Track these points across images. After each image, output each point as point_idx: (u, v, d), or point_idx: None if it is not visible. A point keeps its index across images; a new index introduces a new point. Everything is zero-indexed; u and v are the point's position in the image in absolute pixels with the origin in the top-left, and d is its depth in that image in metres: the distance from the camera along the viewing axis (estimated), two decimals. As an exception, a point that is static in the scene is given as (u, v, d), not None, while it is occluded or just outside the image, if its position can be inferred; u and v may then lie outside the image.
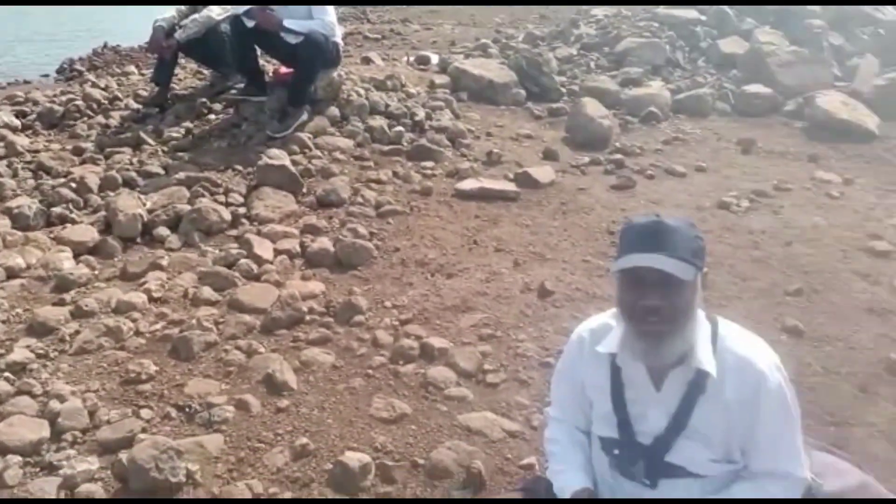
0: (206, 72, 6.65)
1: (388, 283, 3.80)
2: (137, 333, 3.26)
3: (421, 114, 5.78)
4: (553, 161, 5.43)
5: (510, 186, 4.86)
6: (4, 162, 4.88)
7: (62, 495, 2.40)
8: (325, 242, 4.06)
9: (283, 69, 5.95)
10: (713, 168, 5.49)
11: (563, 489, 1.97)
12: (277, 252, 4.00)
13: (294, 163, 4.83)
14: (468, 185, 4.83)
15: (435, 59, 7.80)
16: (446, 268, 3.91)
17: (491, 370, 3.08)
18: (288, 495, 2.43)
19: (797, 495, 1.87)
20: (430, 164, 5.20)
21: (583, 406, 2.05)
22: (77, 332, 3.23)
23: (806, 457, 1.90)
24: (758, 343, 1.87)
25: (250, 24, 5.14)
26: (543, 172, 5.06)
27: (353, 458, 2.51)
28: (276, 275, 3.78)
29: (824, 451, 2.21)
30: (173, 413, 2.79)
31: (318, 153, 5.12)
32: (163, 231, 4.10)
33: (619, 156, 5.53)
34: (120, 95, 6.13)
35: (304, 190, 4.68)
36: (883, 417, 2.78)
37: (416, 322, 3.44)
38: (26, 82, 8.61)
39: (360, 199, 4.60)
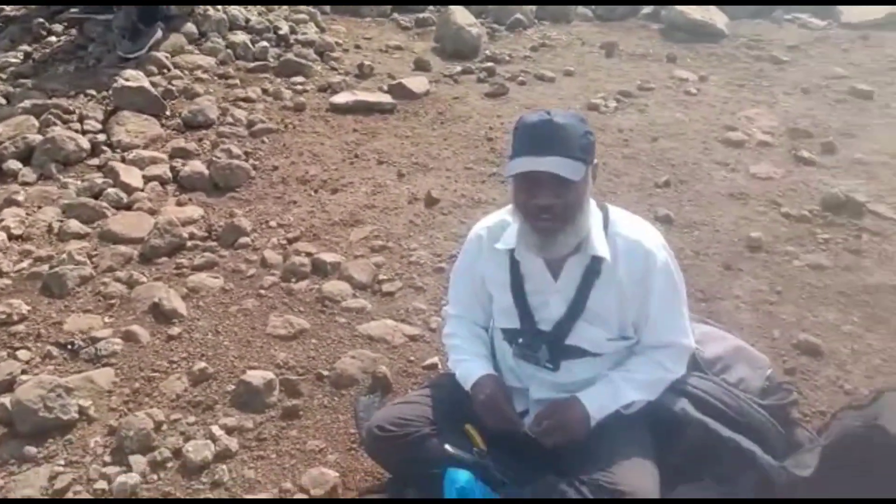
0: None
1: (270, 202, 3.68)
2: (1, 274, 3.02)
3: (284, 27, 5.51)
4: (425, 71, 5.36)
5: (386, 98, 4.77)
6: None
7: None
8: (197, 166, 3.86)
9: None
10: (580, 72, 5.62)
11: (466, 378, 2.04)
12: (147, 179, 3.77)
13: (153, 84, 4.50)
14: (343, 98, 4.70)
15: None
16: (329, 183, 3.84)
17: (386, 280, 3.10)
18: (191, 419, 2.38)
19: (684, 361, 2.03)
20: (300, 79, 5.01)
21: (482, 302, 2.11)
22: (-70, 279, 2.95)
23: (690, 327, 2.06)
24: (645, 226, 1.99)
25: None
26: (418, 83, 5.00)
27: (256, 376, 2.48)
28: (149, 202, 3.58)
29: (701, 323, 2.41)
30: (55, 352, 2.63)
31: (179, 73, 4.79)
32: (13, 164, 3.75)
33: (489, 64, 5.53)
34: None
35: (168, 112, 4.39)
36: (746, 290, 3.03)
37: (304, 239, 3.38)
38: None
39: (229, 119, 4.37)
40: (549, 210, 1.79)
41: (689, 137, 4.46)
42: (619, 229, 1.93)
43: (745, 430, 1.99)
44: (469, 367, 2.06)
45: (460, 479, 1.83)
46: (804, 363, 2.60)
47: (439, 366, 2.61)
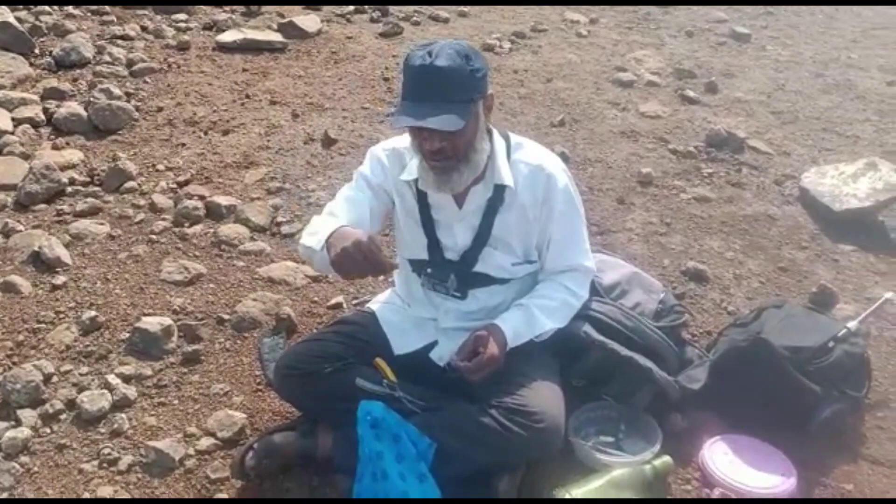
0: None
1: (156, 145, 3.50)
2: None
3: (163, -40, 5.18)
4: (316, 10, 5.19)
5: (276, 37, 4.59)
6: None
7: None
8: (74, 107, 3.61)
9: None
10: (474, 13, 5.58)
11: (319, 238, 1.77)
12: (17, 121, 3.50)
13: (18, 20, 4.14)
14: (230, 37, 4.48)
15: None
16: (220, 124, 3.68)
17: (285, 221, 3.02)
18: (84, 370, 2.26)
19: (587, 285, 2.10)
20: (182, 16, 4.74)
21: (373, 212, 1.96)
22: None
23: (590, 251, 2.12)
24: (546, 151, 2.02)
25: None
26: (309, 22, 4.83)
27: (152, 323, 2.38)
28: (21, 146, 3.33)
29: (598, 253, 2.49)
30: (-77, 306, 2.44)
31: (46, 8, 4.42)
32: None
33: (383, 4, 5.41)
34: None
35: (37, 51, 4.07)
36: (638, 223, 3.16)
37: (195, 182, 3.24)
38: None
39: (107, 58, 4.10)
40: (439, 153, 1.79)
41: (582, 78, 4.54)
42: (521, 155, 1.95)
43: (641, 349, 2.09)
44: (321, 229, 1.78)
45: (373, 410, 1.83)
46: (692, 288, 2.74)
47: (344, 305, 2.58)
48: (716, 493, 1.87)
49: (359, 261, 1.63)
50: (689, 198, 3.34)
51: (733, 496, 1.86)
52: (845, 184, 3.25)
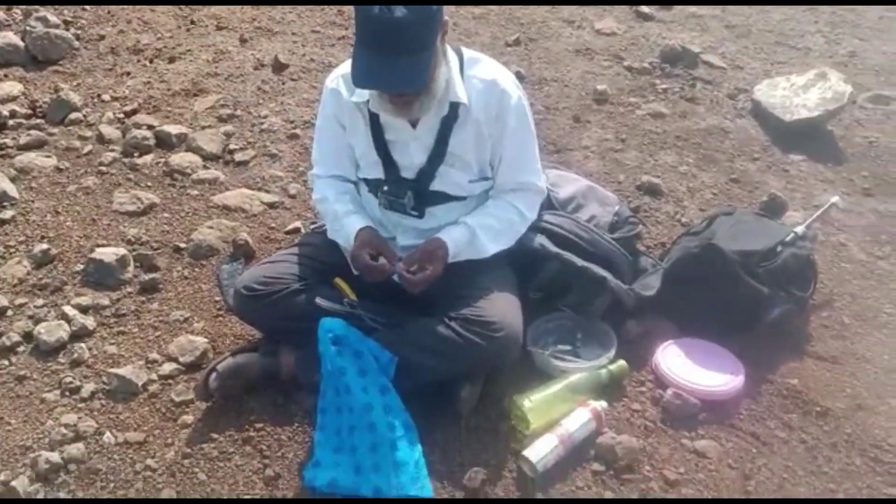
0: None
1: (100, 75, 3.38)
2: None
3: None
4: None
5: (219, -41, 4.40)
6: None
7: None
8: (10, 37, 3.45)
9: None
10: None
11: (349, 238, 1.99)
12: (-51, 54, 3.34)
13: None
14: (170, -40, 4.29)
15: None
16: (165, 52, 3.56)
17: (238, 149, 2.97)
18: (40, 303, 2.23)
19: (537, 206, 2.11)
20: (118, -61, 4.51)
21: (348, 153, 2.05)
22: None
23: (543, 173, 2.13)
24: (499, 67, 1.99)
25: None
26: (253, -57, 4.64)
27: (107, 253, 2.35)
28: (-45, 79, 3.19)
29: (554, 169, 2.51)
30: None
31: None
32: None
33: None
34: None
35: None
36: (593, 140, 3.16)
37: (143, 112, 3.15)
38: None
39: (41, -15, 3.90)
40: (400, 96, 1.77)
41: (536, -4, 4.46)
42: (474, 71, 1.93)
43: (597, 259, 2.13)
44: (348, 227, 1.99)
45: (335, 327, 1.85)
46: (647, 202, 2.78)
47: (302, 230, 2.57)
48: (669, 393, 1.95)
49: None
50: (644, 114, 3.35)
51: (685, 395, 1.93)
52: (796, 95, 3.28)
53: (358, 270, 1.96)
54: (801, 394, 2.01)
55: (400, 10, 1.63)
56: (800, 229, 2.27)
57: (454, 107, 1.90)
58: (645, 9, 4.29)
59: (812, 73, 3.38)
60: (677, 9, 4.38)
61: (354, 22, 1.72)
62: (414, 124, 1.93)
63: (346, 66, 2.00)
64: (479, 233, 1.98)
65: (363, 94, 1.90)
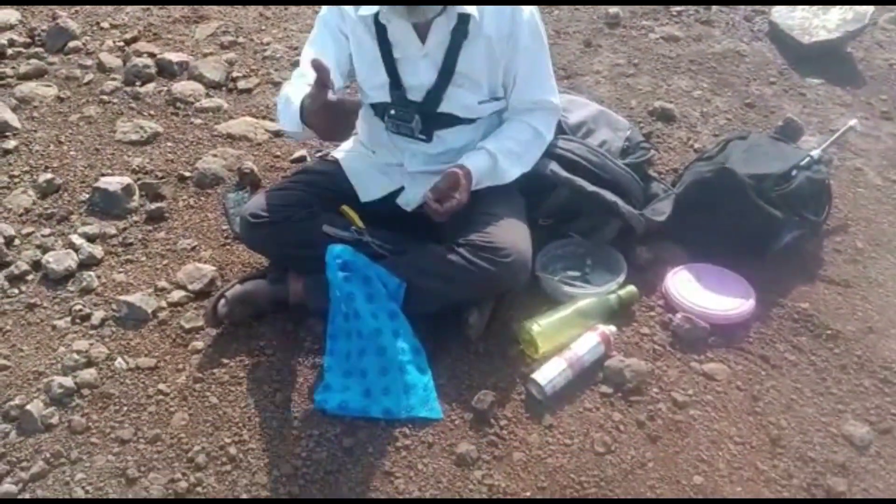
0: None
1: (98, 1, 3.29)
2: None
3: None
4: None
5: None
6: None
7: None
8: (3, -37, 3.36)
9: None
10: None
11: (295, 115, 1.73)
12: (-57, -19, 3.26)
13: None
14: None
15: None
16: (164, -23, 3.46)
17: (241, 76, 2.91)
18: (46, 231, 2.22)
19: (553, 124, 2.07)
20: None
21: (338, 59, 1.90)
22: None
23: (556, 87, 2.07)
24: (509, -17, 1.92)
25: None
26: None
27: (112, 182, 2.32)
28: (-49, 8, 3.12)
29: (565, 94, 2.44)
30: None
31: None
32: None
33: None
34: None
35: None
36: (605, 65, 3.08)
37: (144, 39, 3.08)
38: None
39: None
40: None
41: (547, -84, 4.29)
42: (483, -14, 1.86)
43: (608, 184, 2.09)
44: (293, 108, 1.73)
45: (343, 253, 1.83)
46: (659, 128, 2.72)
47: (308, 158, 2.53)
48: (678, 318, 1.94)
49: (336, 118, 1.59)
50: (658, 37, 3.25)
51: (695, 319, 1.92)
52: (815, 16, 3.17)
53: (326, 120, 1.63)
54: (812, 317, 2.00)
55: None
56: (815, 153, 2.22)
57: (463, 20, 1.84)
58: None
59: (832, -8, 3.26)
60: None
61: None
62: (423, 39, 1.86)
63: None
64: (500, 158, 1.94)
65: (372, 8, 1.83)
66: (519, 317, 1.93)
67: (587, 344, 1.83)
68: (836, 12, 3.14)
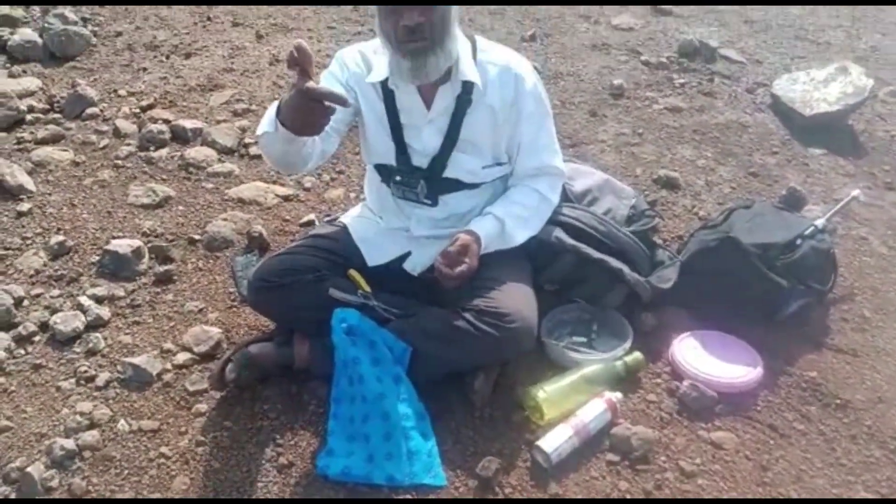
0: None
1: (116, 70, 3.40)
2: None
3: None
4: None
5: (236, -43, 4.43)
6: None
7: None
8: (29, 34, 3.49)
9: None
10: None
11: (272, 116, 1.69)
12: (-31, 50, 3.38)
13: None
14: (188, -43, 4.32)
15: None
16: (181, 48, 3.58)
17: (253, 143, 2.97)
18: (56, 293, 2.24)
19: (559, 189, 2.10)
20: (136, -62, 4.55)
21: (339, 120, 1.90)
22: None
23: (560, 151, 2.11)
24: (512, 52, 1.98)
25: None
26: (269, -60, 4.66)
27: (122, 245, 2.35)
28: (-25, 75, 3.22)
29: (570, 162, 2.49)
30: None
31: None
32: None
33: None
34: None
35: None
36: (610, 134, 3.14)
37: (159, 106, 3.17)
38: None
39: (60, -17, 3.94)
40: (417, 31, 1.74)
41: (553, -8, 4.45)
42: (488, 56, 1.92)
43: (613, 252, 2.11)
44: (270, 112, 1.71)
45: (348, 317, 1.84)
46: (664, 195, 2.75)
47: (316, 222, 2.57)
48: (685, 385, 1.92)
49: (310, 106, 1.51)
50: (662, 108, 3.33)
51: (702, 387, 1.90)
52: (816, 89, 3.24)
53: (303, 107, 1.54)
54: (821, 386, 1.97)
55: None
56: (820, 222, 2.24)
57: (467, 88, 1.89)
58: (663, 4, 4.26)
59: (832, 67, 3.34)
60: (695, 4, 4.35)
61: None
62: (428, 105, 1.91)
63: (364, 45, 1.99)
64: (507, 222, 1.96)
65: (381, 73, 1.89)
66: (524, 382, 1.92)
67: (593, 411, 1.82)
68: (836, 86, 3.21)
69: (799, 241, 2.16)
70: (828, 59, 3.65)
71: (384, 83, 1.91)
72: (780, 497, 1.69)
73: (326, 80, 1.96)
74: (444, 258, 1.85)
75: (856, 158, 3.02)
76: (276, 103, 1.70)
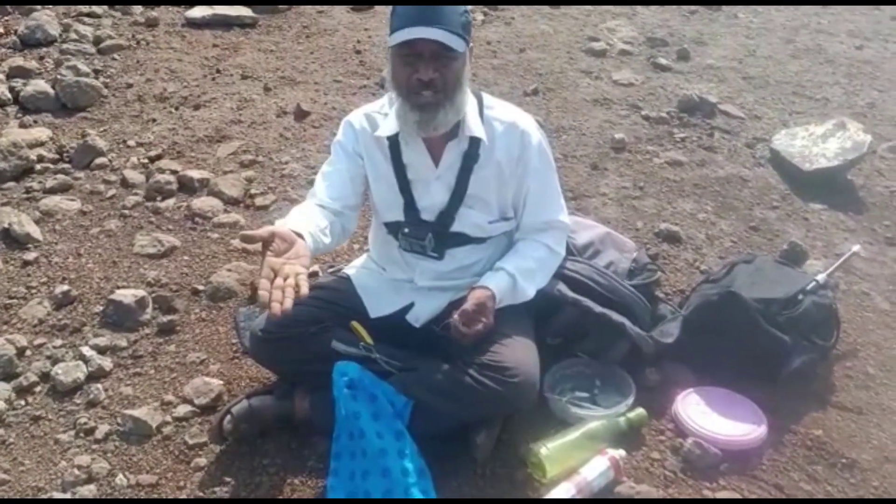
0: None
1: (126, 121, 3.46)
2: None
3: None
4: (287, -15, 5.13)
5: (246, 12, 4.53)
6: None
7: None
8: (41, 85, 3.56)
9: None
10: (446, -14, 5.55)
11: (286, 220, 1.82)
12: (-18, 101, 3.44)
13: (-20, -2, 4.07)
14: (199, 12, 4.42)
15: None
16: (191, 100, 3.64)
17: (258, 193, 3.00)
18: (58, 343, 2.25)
19: (564, 241, 2.11)
20: (149, -7, 4.67)
21: (352, 178, 1.99)
22: None
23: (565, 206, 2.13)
24: (518, 109, 2.02)
25: None
26: (279, -4, 4.78)
27: (126, 295, 2.36)
28: (-13, 125, 3.28)
29: (572, 215, 2.50)
30: None
31: (9, -14, 4.34)
32: None
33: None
34: None
35: (2, 30, 4.00)
36: (611, 188, 3.17)
37: (167, 157, 3.21)
38: None
39: (73, 36, 4.03)
40: (430, 85, 1.78)
41: (555, 48, 4.54)
42: (494, 113, 1.96)
43: (615, 306, 2.11)
44: (290, 217, 1.84)
45: (349, 370, 1.84)
46: (665, 249, 2.77)
47: (320, 274, 2.58)
48: (689, 443, 1.90)
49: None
50: (662, 162, 3.36)
51: (706, 444, 1.89)
52: (815, 144, 3.28)
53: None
54: (826, 445, 1.96)
55: None
56: (821, 277, 2.24)
57: (474, 145, 1.93)
58: (662, 60, 4.35)
59: (831, 123, 3.38)
60: (694, 60, 4.44)
61: (391, 22, 1.78)
62: (436, 162, 1.95)
63: (369, 106, 2.04)
64: (518, 277, 1.97)
65: (389, 128, 1.92)
66: (527, 438, 1.90)
67: (597, 469, 1.80)
68: (835, 141, 3.25)
69: (801, 297, 2.17)
70: (826, 115, 3.71)
71: (391, 140, 1.94)
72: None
73: (338, 150, 2.02)
74: (461, 317, 1.85)
75: (856, 213, 3.05)
76: (294, 211, 1.88)
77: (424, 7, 1.74)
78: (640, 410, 1.98)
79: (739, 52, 4.63)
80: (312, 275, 2.58)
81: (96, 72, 3.77)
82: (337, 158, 2.02)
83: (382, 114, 1.97)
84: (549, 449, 1.83)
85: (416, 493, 1.73)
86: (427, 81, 1.76)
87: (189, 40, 4.22)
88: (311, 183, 3.03)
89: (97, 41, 4.04)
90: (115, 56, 3.95)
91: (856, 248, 2.49)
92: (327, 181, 1.99)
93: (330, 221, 1.89)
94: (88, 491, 1.78)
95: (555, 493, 1.73)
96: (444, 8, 1.75)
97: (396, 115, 1.88)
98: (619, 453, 1.85)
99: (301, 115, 3.54)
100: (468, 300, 1.88)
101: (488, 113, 1.95)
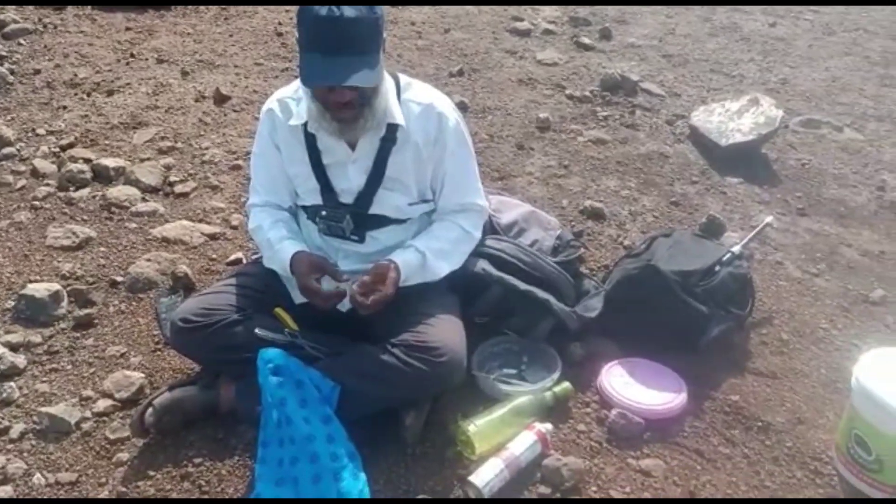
0: None
1: (35, 109, 3.31)
2: None
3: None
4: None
5: (160, -7, 4.39)
6: None
7: None
8: (-61, 72, 3.37)
9: None
10: (370, -33, 5.47)
11: (284, 264, 1.97)
12: None
13: None
14: (110, -6, 4.26)
15: None
16: (104, 85, 3.51)
17: (178, 181, 2.92)
18: (-33, 342, 2.14)
19: (481, 225, 2.12)
20: (56, -26, 4.46)
21: (284, 179, 2.04)
22: None
23: (484, 193, 2.15)
24: (435, 91, 2.01)
25: None
26: (196, -23, 4.63)
27: (39, 289, 2.27)
28: None
29: (496, 195, 2.52)
30: None
31: None
32: None
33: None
34: None
35: None
36: (537, 167, 3.21)
37: (80, 145, 3.09)
38: None
39: (-26, 20, 3.83)
40: (348, 104, 1.76)
41: (480, 28, 4.55)
42: (411, 95, 1.94)
43: (540, 283, 2.14)
44: (281, 256, 1.97)
45: (274, 357, 1.81)
46: (590, 226, 2.81)
47: (244, 260, 2.53)
48: (613, 414, 1.95)
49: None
50: (586, 140, 3.41)
51: (630, 414, 1.94)
52: (731, 120, 3.38)
53: (309, 299, 1.91)
54: (743, 409, 2.03)
55: (350, 10, 1.66)
56: (736, 249, 2.32)
57: (391, 129, 1.91)
58: (585, 39, 4.41)
59: (745, 98, 3.49)
60: (616, 40, 4.51)
61: (299, 29, 1.72)
62: (352, 146, 1.92)
63: (283, 91, 2.01)
64: (428, 255, 1.97)
65: (301, 117, 1.90)
66: (456, 417, 1.91)
67: (524, 443, 1.82)
68: (749, 117, 3.36)
69: (717, 268, 2.24)
70: (741, 92, 3.82)
71: (305, 126, 1.91)
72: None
73: (264, 144, 2.00)
74: (360, 287, 1.86)
75: (770, 186, 3.16)
76: (274, 242, 1.97)
77: (332, 32, 1.66)
78: (566, 384, 2.01)
79: (660, 30, 4.72)
80: (236, 262, 2.53)
81: (1, 58, 3.59)
82: (269, 153, 2.01)
83: (295, 99, 1.94)
84: (477, 426, 1.84)
85: (346, 476, 1.72)
86: (345, 103, 1.74)
87: (100, 23, 4.06)
88: (233, 168, 3.00)
89: (1, 25, 3.84)
90: (21, 41, 3.77)
91: (769, 219, 2.59)
92: (268, 180, 2.03)
93: (287, 221, 2.05)
94: (4, 492, 1.71)
95: (484, 469, 1.75)
96: (355, 32, 1.67)
97: (310, 114, 1.85)
98: (546, 427, 1.88)
99: (221, 99, 3.45)
100: (369, 270, 1.88)
101: (405, 95, 1.93)
